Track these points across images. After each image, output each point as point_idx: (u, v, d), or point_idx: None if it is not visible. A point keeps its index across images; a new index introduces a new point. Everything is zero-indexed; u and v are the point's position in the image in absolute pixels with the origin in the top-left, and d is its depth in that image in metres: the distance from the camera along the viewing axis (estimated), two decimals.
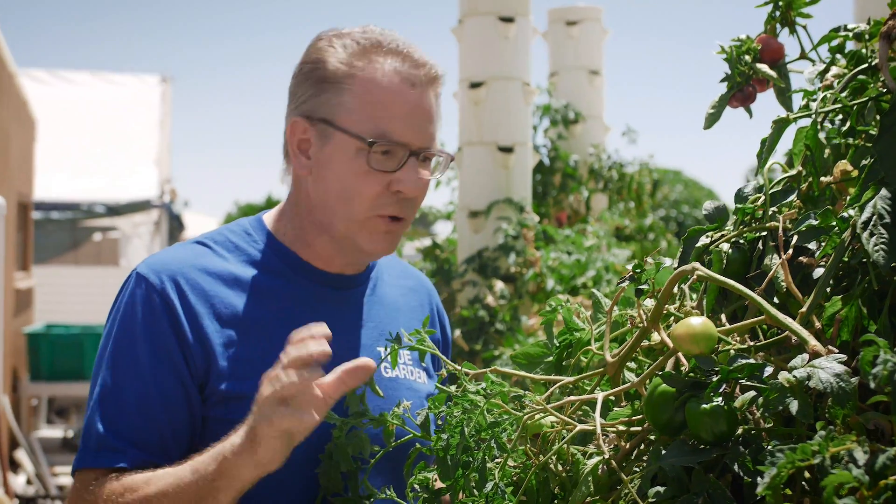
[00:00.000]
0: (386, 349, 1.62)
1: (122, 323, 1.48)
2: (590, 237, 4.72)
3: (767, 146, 1.35)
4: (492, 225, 4.56)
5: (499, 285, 4.19)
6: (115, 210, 12.17)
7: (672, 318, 1.28)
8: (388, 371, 1.59)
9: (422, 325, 1.77)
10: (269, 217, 1.64)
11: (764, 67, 1.54)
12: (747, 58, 1.58)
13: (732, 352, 1.13)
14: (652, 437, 1.22)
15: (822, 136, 1.28)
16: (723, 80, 1.58)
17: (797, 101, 2.00)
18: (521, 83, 4.59)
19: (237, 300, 1.51)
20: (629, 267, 1.27)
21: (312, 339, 1.30)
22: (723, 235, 1.29)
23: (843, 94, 1.31)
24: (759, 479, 1.05)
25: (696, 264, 1.19)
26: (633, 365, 1.35)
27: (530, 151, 4.73)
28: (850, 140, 1.29)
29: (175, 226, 14.18)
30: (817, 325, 1.17)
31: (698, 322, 1.12)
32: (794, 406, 1.03)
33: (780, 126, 1.32)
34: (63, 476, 7.19)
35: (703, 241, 1.30)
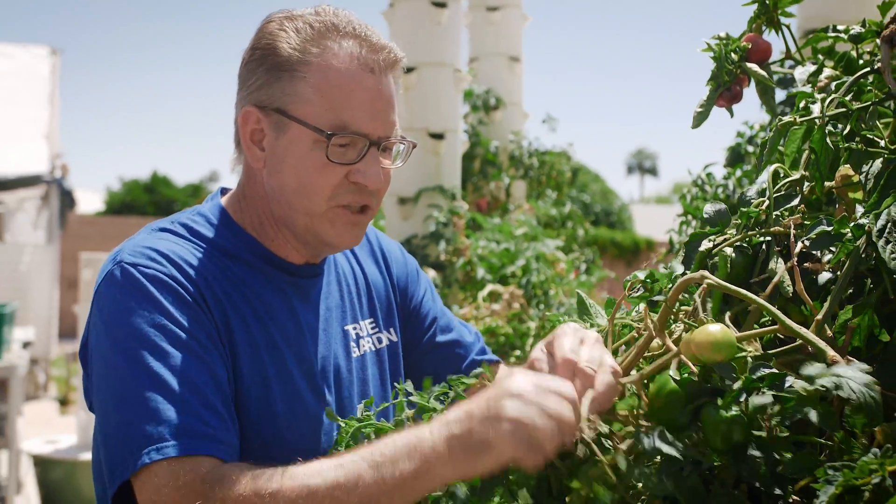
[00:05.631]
0: (353, 328, 1.59)
1: (142, 310, 1.31)
2: (519, 226, 4.68)
3: (769, 149, 1.33)
4: (420, 212, 4.49)
5: (431, 273, 4.13)
6: (2, 184, 11.66)
7: (677, 324, 1.25)
8: (354, 351, 1.56)
9: (383, 287, 1.72)
10: (227, 204, 1.55)
11: (754, 67, 1.53)
12: (734, 56, 1.56)
13: (749, 360, 1.11)
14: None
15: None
16: (710, 80, 1.56)
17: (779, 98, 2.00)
18: (453, 69, 4.52)
19: (220, 290, 1.42)
20: (640, 276, 1.24)
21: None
22: (725, 239, 1.27)
23: (848, 98, 1.30)
24: (776, 489, 1.03)
25: (705, 272, 1.16)
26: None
27: (460, 138, 4.67)
28: (854, 144, 1.27)
29: (66, 202, 13.65)
30: (828, 332, 1.15)
31: (718, 329, 1.09)
32: (813, 415, 1.02)
33: (784, 128, 1.30)
34: None
35: (706, 245, 1.27)
